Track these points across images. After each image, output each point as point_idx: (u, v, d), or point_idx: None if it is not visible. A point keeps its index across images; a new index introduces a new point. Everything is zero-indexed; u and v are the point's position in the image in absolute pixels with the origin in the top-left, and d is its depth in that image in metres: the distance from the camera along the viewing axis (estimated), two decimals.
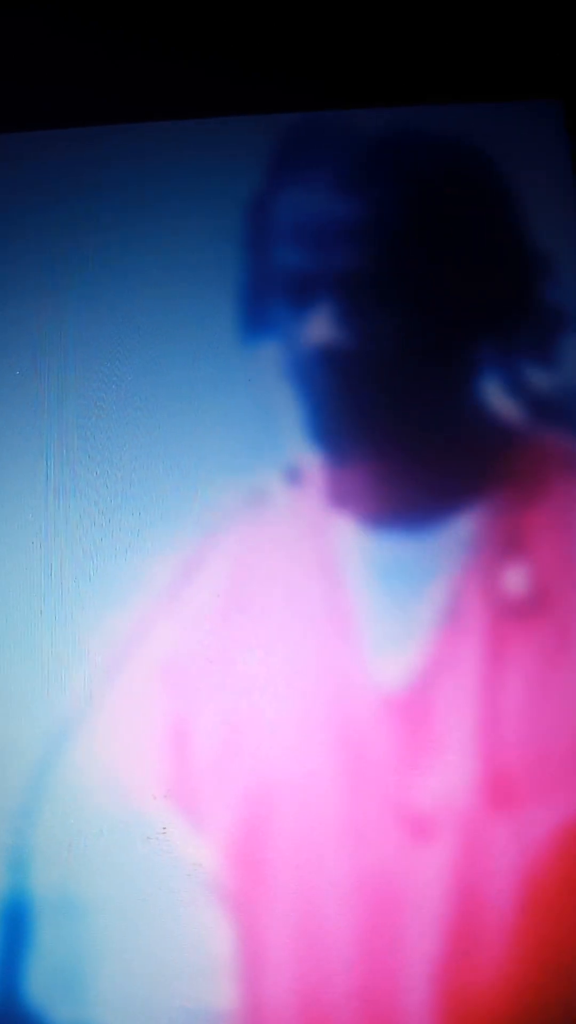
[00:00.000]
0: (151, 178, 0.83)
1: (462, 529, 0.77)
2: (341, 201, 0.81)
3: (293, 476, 0.78)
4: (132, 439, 0.79)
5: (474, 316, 0.81)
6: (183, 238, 0.82)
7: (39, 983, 0.72)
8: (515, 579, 0.76)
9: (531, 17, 0.84)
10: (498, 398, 0.79)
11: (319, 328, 0.79)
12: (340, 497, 0.78)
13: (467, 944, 0.71)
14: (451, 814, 0.73)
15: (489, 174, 0.83)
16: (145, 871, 0.72)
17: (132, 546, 0.77)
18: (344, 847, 0.73)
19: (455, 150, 0.83)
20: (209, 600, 0.76)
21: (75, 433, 0.79)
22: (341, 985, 0.71)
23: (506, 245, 0.82)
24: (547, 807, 0.73)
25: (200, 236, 0.82)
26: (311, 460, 0.78)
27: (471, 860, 0.72)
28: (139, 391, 0.79)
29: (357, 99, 0.83)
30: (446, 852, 0.72)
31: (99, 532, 0.77)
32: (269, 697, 0.75)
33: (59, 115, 0.83)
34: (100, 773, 0.74)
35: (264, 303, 0.80)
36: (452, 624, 0.75)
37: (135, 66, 0.83)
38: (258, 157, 0.83)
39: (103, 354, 0.80)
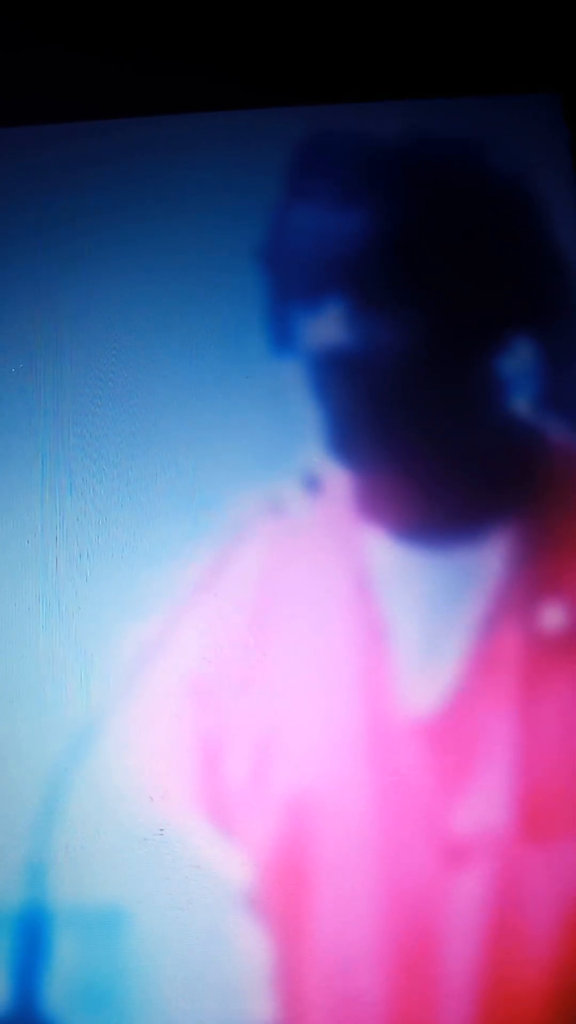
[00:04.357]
0: (147, 177, 0.83)
1: (496, 545, 0.75)
2: (350, 210, 0.81)
3: (309, 483, 0.77)
4: (128, 437, 0.78)
5: (488, 319, 0.79)
6: (179, 237, 0.82)
7: (57, 996, 0.70)
8: (553, 606, 0.74)
9: (529, 11, 0.83)
10: (526, 406, 0.78)
11: (334, 335, 0.79)
12: (366, 507, 0.76)
13: (503, 968, 0.69)
14: (486, 840, 0.71)
15: (489, 170, 0.82)
16: (159, 876, 0.71)
17: (129, 545, 0.76)
18: (378, 864, 0.71)
19: (455, 148, 0.83)
20: (231, 607, 0.75)
21: (71, 431, 0.78)
22: (375, 1005, 0.69)
23: (514, 243, 0.81)
24: None
25: (196, 236, 0.82)
26: (324, 466, 0.77)
27: (506, 886, 0.70)
28: (136, 389, 0.79)
29: (356, 94, 0.83)
30: (481, 877, 0.70)
31: (95, 531, 0.77)
32: (298, 707, 0.73)
33: (60, 109, 0.83)
34: (111, 780, 0.73)
35: (280, 311, 0.80)
36: (486, 643, 0.73)
37: (144, 60, 0.84)
38: (260, 162, 0.83)
39: (99, 352, 0.79)
